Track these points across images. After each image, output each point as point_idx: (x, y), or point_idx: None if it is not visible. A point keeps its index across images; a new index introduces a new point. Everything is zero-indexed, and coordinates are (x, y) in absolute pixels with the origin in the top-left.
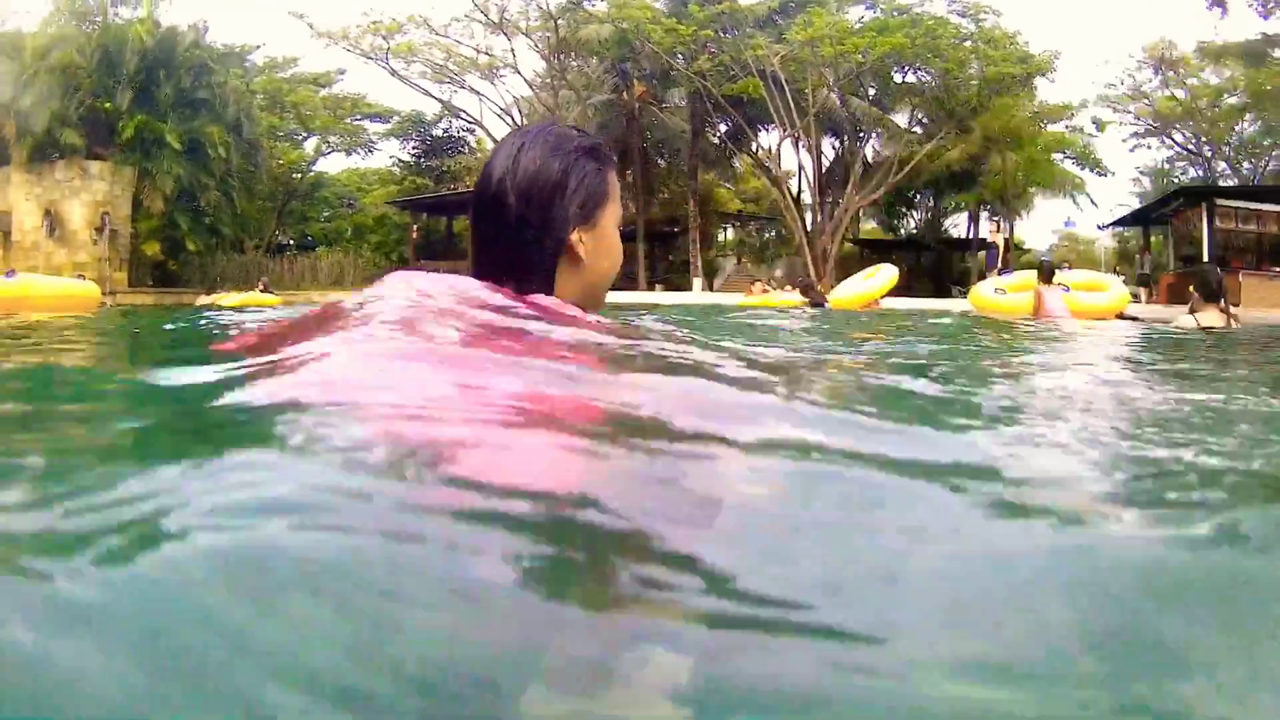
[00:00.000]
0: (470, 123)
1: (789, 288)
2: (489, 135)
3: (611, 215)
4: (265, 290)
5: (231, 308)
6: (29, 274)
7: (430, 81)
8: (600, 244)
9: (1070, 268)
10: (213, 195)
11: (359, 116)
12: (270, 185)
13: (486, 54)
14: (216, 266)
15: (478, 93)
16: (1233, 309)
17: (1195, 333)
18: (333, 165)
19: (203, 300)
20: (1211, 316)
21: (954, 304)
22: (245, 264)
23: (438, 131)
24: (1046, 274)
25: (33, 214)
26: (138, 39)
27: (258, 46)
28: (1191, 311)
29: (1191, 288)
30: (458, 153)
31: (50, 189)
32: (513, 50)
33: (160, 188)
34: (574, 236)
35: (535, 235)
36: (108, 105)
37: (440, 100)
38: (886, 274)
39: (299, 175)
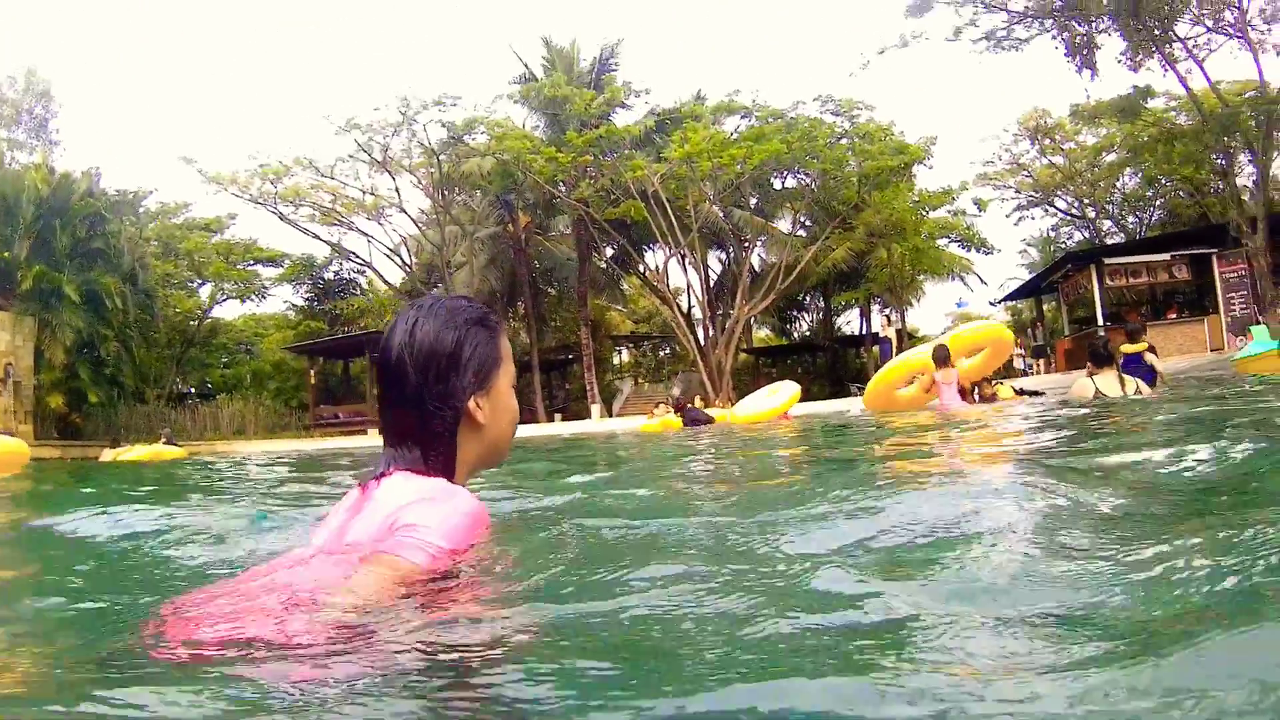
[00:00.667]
0: (361, 264)
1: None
2: (379, 276)
3: (505, 377)
4: (169, 442)
5: (136, 462)
6: None
7: (319, 225)
8: (497, 406)
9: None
10: (111, 346)
11: (251, 262)
12: (167, 334)
13: (372, 194)
14: (120, 417)
15: (366, 234)
16: (1140, 383)
17: (1091, 403)
18: (228, 311)
19: (107, 455)
20: (1109, 383)
21: (853, 403)
22: (148, 414)
23: (329, 274)
24: (941, 358)
25: None
26: (34, 187)
27: (150, 192)
28: (1090, 375)
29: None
30: (350, 295)
31: None
32: (397, 189)
33: (60, 339)
34: (472, 404)
35: (435, 407)
36: (5, 255)
37: (329, 243)
38: (788, 391)
39: (195, 323)
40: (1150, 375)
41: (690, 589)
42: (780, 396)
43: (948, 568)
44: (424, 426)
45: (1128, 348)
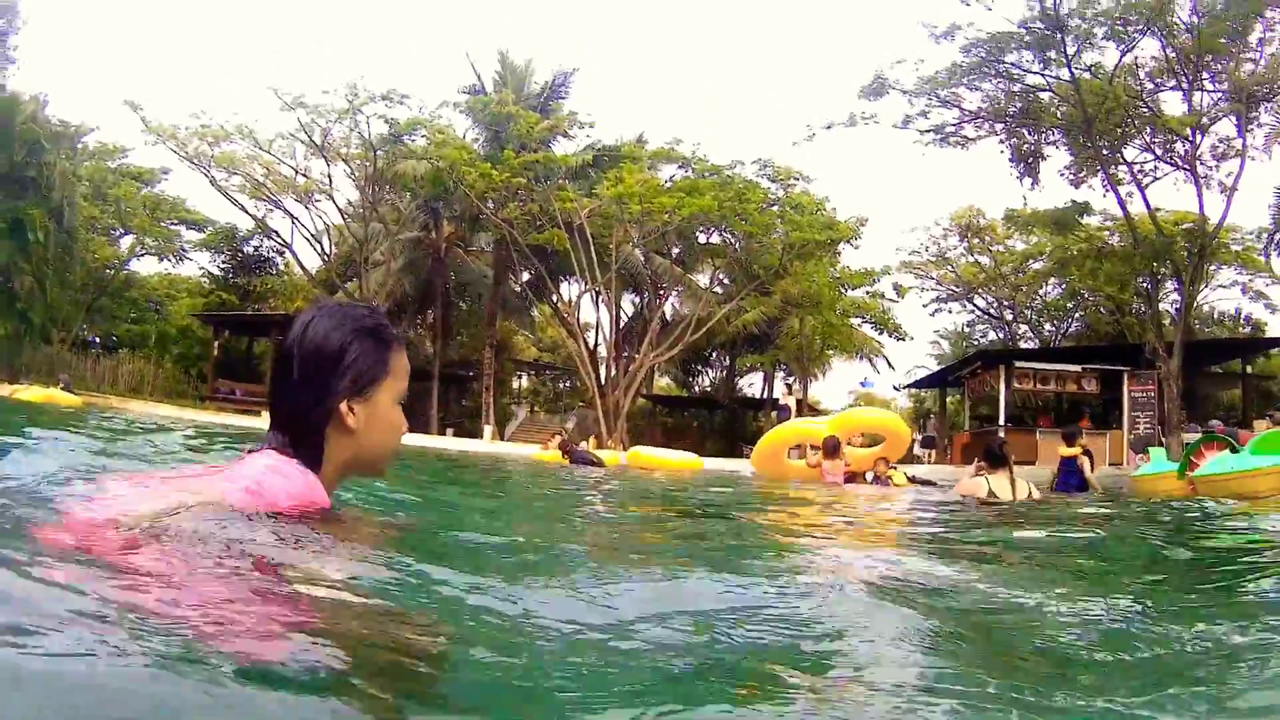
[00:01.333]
0: (281, 244)
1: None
2: (297, 260)
3: (389, 391)
4: (66, 389)
5: (29, 402)
6: None
7: (247, 196)
8: (374, 417)
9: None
10: (27, 280)
11: (175, 222)
12: (82, 277)
13: (305, 176)
14: (22, 355)
15: (291, 215)
16: (1020, 481)
17: (982, 500)
18: (144, 267)
19: (3, 390)
20: (1001, 484)
21: (743, 464)
22: (50, 356)
23: (249, 249)
24: (830, 449)
25: None
26: None
27: (93, 129)
28: (978, 474)
29: (978, 460)
30: (265, 273)
31: None
32: (330, 176)
33: None
34: (343, 407)
35: (309, 401)
36: None
37: (254, 217)
38: (686, 455)
39: (111, 272)
40: (1080, 480)
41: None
42: (678, 455)
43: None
44: (297, 417)
45: (1064, 451)
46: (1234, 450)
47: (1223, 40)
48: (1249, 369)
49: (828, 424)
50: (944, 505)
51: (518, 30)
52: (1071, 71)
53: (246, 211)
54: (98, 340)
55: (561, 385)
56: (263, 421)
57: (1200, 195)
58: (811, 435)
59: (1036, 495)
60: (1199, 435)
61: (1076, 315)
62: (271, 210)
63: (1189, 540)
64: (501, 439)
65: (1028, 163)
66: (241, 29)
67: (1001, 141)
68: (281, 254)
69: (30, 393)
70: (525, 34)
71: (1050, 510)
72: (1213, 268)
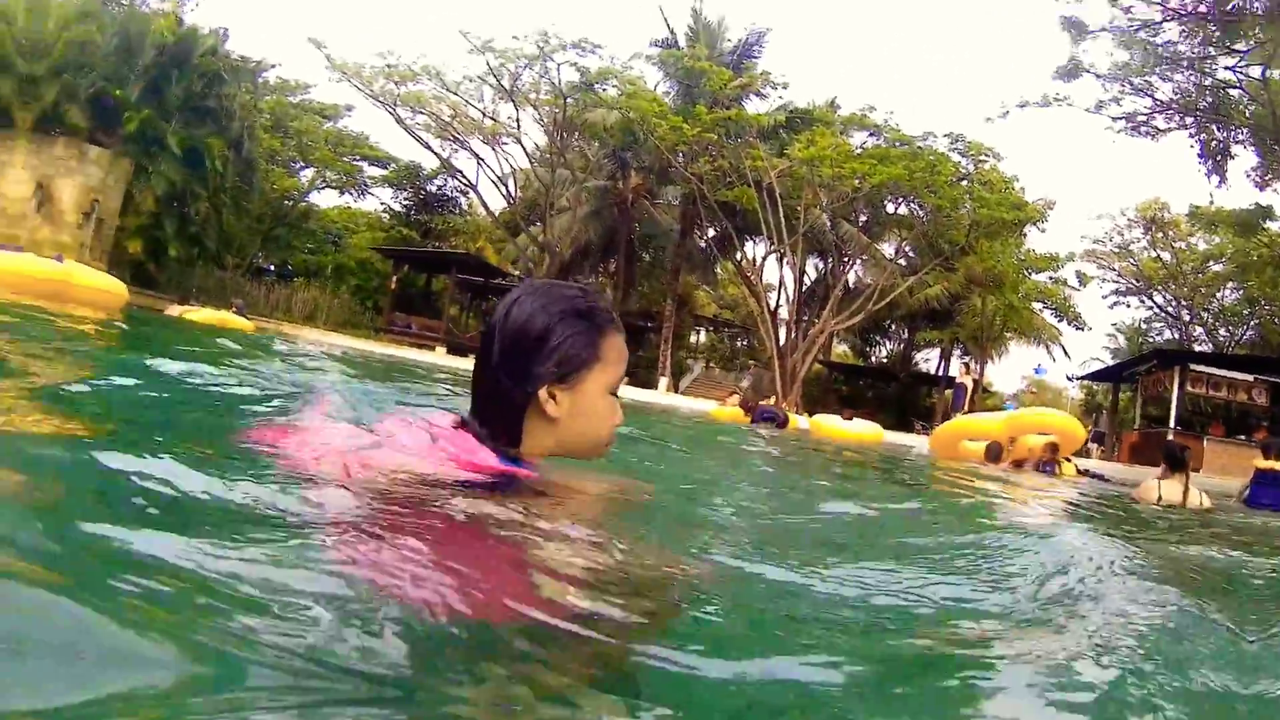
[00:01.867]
0: (466, 185)
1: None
2: (481, 200)
3: (600, 379)
4: (239, 313)
5: (201, 323)
6: (73, 262)
7: (433, 136)
8: (578, 406)
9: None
10: (203, 206)
11: (358, 158)
12: (260, 207)
13: (492, 119)
14: (195, 278)
15: (478, 156)
16: (1205, 494)
17: (1153, 506)
18: (324, 200)
19: (173, 310)
20: (1173, 490)
21: (918, 440)
22: (224, 281)
23: (432, 187)
24: (993, 455)
25: (24, 184)
26: (159, 32)
27: (274, 65)
28: (1160, 478)
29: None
30: (449, 212)
31: (46, 164)
32: (518, 120)
33: (154, 187)
34: (543, 393)
35: (508, 385)
36: (117, 92)
37: (440, 156)
38: (868, 428)
39: (290, 203)
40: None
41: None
42: (856, 427)
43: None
44: (494, 398)
45: (1261, 463)
46: None
47: None
48: None
49: (1003, 421)
50: (1114, 500)
51: None
52: (1263, 70)
53: (431, 150)
54: (273, 268)
55: (739, 344)
56: (436, 356)
57: None
58: (985, 430)
59: (1208, 504)
60: None
61: (1252, 323)
62: (457, 150)
63: None
64: (676, 391)
65: (1216, 159)
66: None
67: (1191, 135)
68: (465, 194)
69: (201, 314)
70: None
71: (1229, 521)
72: None
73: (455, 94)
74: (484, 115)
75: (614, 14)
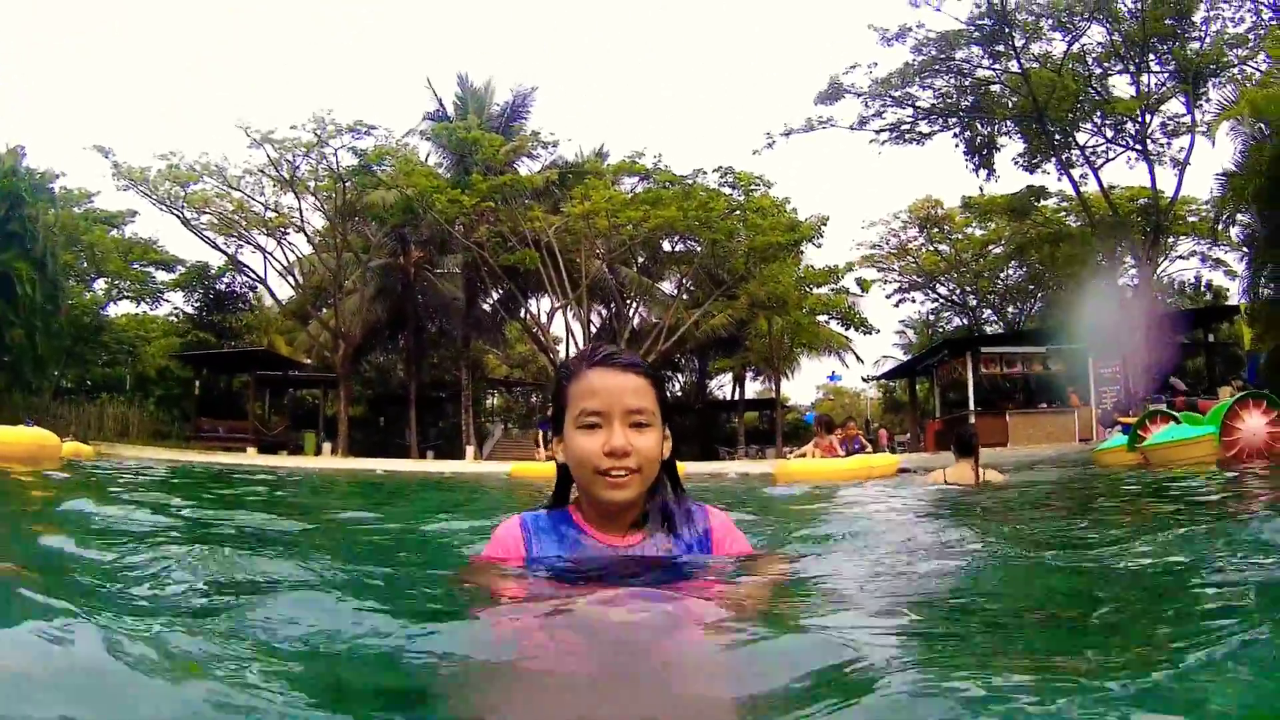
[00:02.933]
0: (254, 279)
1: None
2: (270, 293)
3: (570, 420)
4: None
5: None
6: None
7: (218, 234)
8: (568, 450)
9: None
10: (17, 333)
11: (148, 264)
12: (63, 325)
13: (275, 211)
14: (14, 409)
15: (263, 250)
16: (983, 468)
17: (943, 488)
18: (118, 310)
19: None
20: (961, 472)
21: (727, 466)
22: (41, 407)
23: (221, 286)
24: (827, 426)
25: None
26: None
27: (59, 175)
28: (950, 464)
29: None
30: (239, 309)
31: None
32: (300, 209)
33: None
34: (554, 446)
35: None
36: None
37: (226, 253)
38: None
39: (88, 318)
40: None
41: None
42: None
43: None
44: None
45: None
46: (1177, 422)
47: (1168, 21)
48: (1211, 337)
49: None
50: (912, 492)
51: (477, 49)
52: (1020, 63)
53: (219, 249)
54: (71, 386)
55: (534, 400)
56: (248, 457)
57: (1152, 172)
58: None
59: (1000, 480)
60: (1163, 406)
61: (1039, 296)
62: (243, 246)
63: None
64: (481, 458)
65: (982, 154)
66: (207, 68)
67: (955, 135)
68: (254, 288)
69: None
70: (484, 53)
71: (1005, 492)
72: (1170, 240)
73: (237, 189)
74: (266, 208)
75: (389, 90)
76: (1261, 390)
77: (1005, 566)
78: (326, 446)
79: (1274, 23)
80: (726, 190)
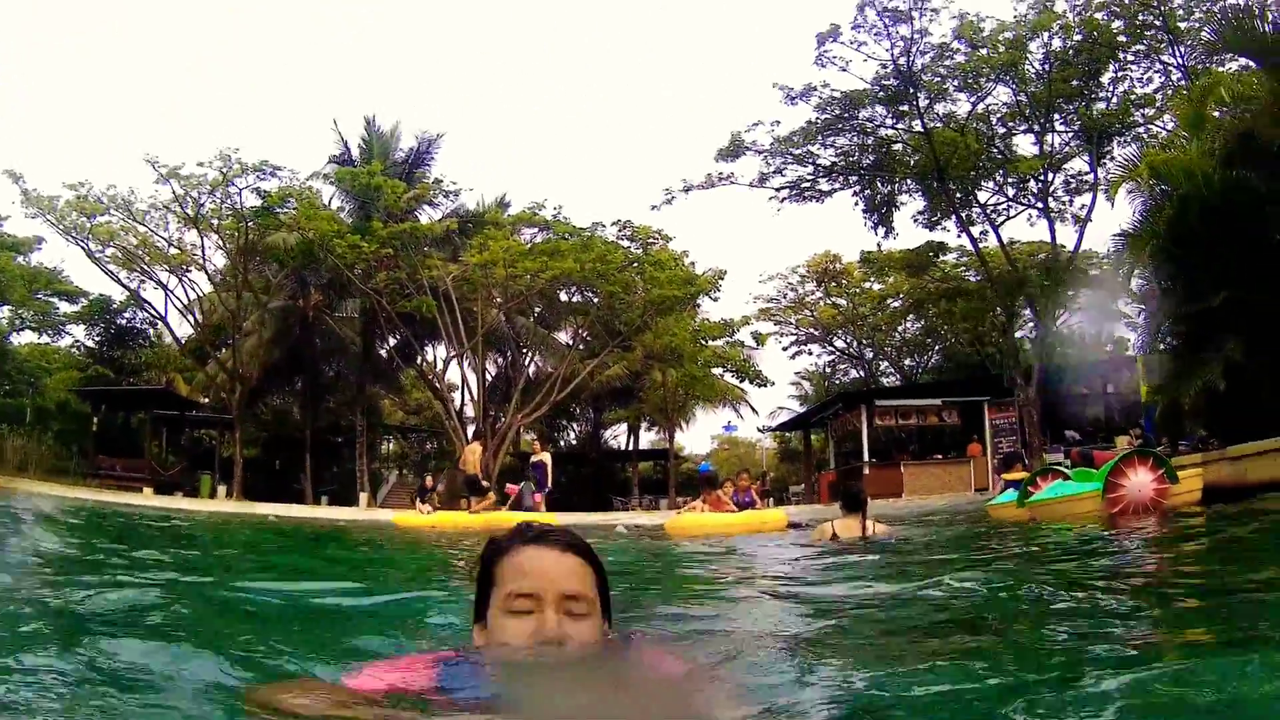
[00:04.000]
0: (154, 316)
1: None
2: (170, 331)
3: (498, 600)
4: None
5: None
6: None
7: (120, 268)
8: (490, 631)
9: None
10: None
11: (51, 294)
12: None
13: (178, 247)
14: None
15: (165, 286)
16: (871, 521)
17: (830, 543)
18: (20, 339)
19: None
20: (849, 527)
21: (618, 517)
22: None
23: (122, 321)
24: (711, 482)
25: None
26: None
27: None
28: (838, 519)
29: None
30: (139, 345)
31: None
32: (202, 247)
33: None
34: (475, 632)
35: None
36: None
37: (128, 288)
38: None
39: None
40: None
41: None
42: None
43: None
44: None
45: (1007, 476)
46: (1067, 478)
47: (1075, 83)
48: (1111, 387)
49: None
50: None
51: (386, 92)
52: (924, 123)
53: (121, 283)
54: None
55: (429, 447)
56: (144, 498)
57: (1052, 230)
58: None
59: (883, 532)
60: (1060, 457)
61: (936, 349)
62: (145, 281)
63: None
64: (376, 505)
65: (881, 212)
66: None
67: (855, 194)
68: (154, 325)
69: None
70: (393, 96)
71: (888, 546)
72: (1071, 292)
73: (142, 224)
74: (170, 244)
75: (298, 129)
76: (1147, 448)
77: (885, 619)
78: (222, 489)
79: (1182, 84)
80: (625, 243)
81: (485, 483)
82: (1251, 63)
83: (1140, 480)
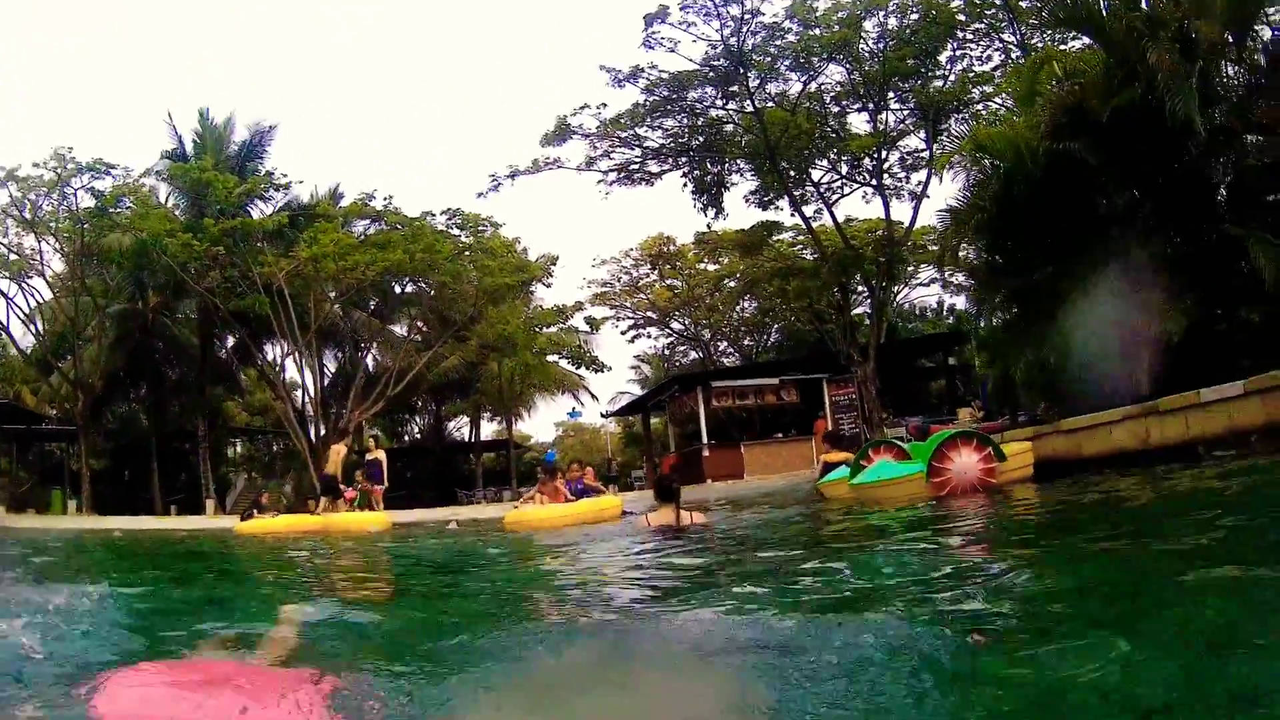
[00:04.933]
0: None
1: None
2: (12, 340)
3: None
4: None
5: None
6: None
7: None
8: None
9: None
10: None
11: None
12: None
13: (16, 253)
14: None
15: (4, 295)
16: (692, 513)
17: (647, 531)
18: None
19: None
20: (664, 516)
21: (457, 511)
22: None
23: None
24: (551, 472)
25: None
26: None
27: None
28: (651, 509)
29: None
30: None
31: None
32: (40, 252)
33: None
34: None
35: None
36: None
37: None
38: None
39: None
40: None
41: None
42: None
43: None
44: None
45: (830, 456)
46: (904, 454)
47: (911, 62)
48: (951, 360)
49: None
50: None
51: (220, 83)
52: (754, 103)
53: None
54: None
55: (275, 448)
56: None
57: (887, 207)
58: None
59: (701, 521)
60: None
61: (774, 328)
62: None
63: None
64: (224, 511)
65: (710, 193)
66: None
67: (684, 175)
68: None
69: None
70: (227, 87)
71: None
72: (910, 268)
73: None
74: (9, 250)
75: (134, 124)
76: (968, 430)
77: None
78: (72, 504)
79: (1020, 60)
80: (455, 232)
81: (342, 485)
82: (1086, 38)
83: (966, 462)
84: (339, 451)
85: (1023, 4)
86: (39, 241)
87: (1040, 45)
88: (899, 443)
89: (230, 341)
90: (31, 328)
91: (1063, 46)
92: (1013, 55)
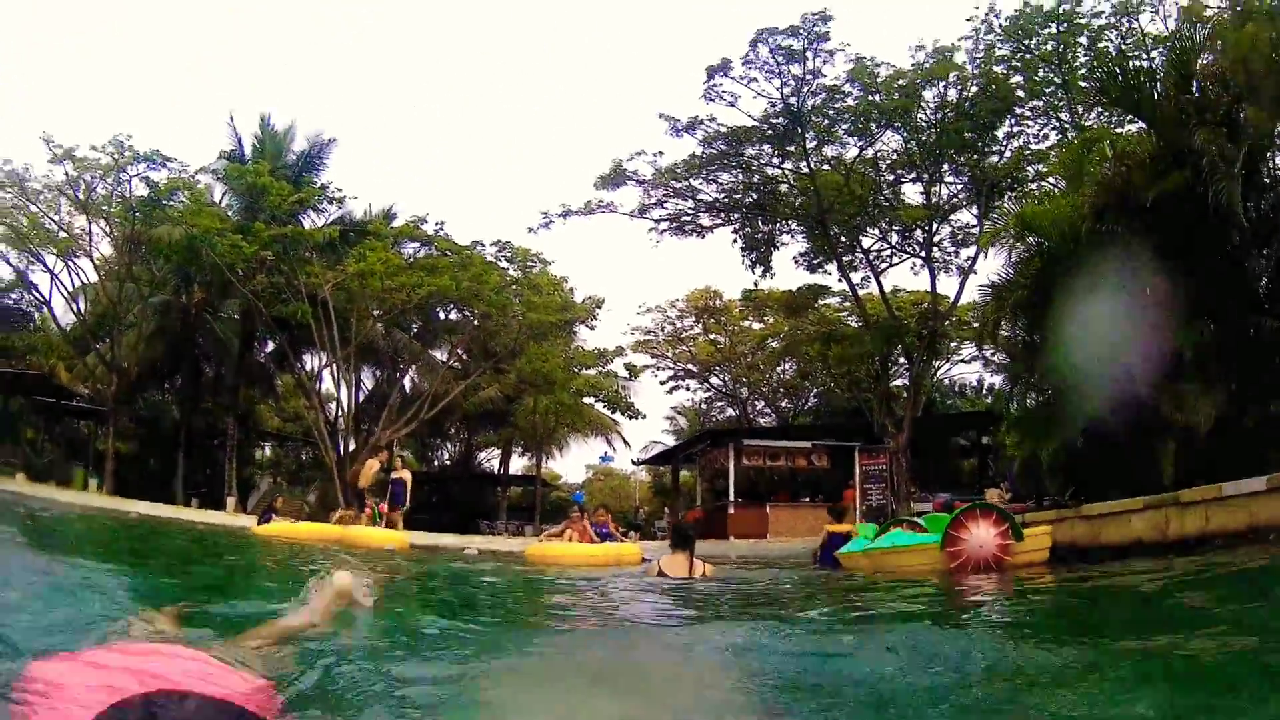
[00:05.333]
0: (39, 300)
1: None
2: (54, 317)
3: None
4: None
5: None
6: None
7: (9, 248)
8: None
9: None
10: None
11: None
12: None
13: (66, 231)
14: None
15: (51, 271)
16: (705, 564)
17: (657, 578)
18: None
19: None
20: (676, 564)
21: (474, 540)
22: None
23: (9, 302)
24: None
25: None
26: None
27: None
28: (666, 555)
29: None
30: (22, 328)
31: None
32: (90, 234)
33: None
34: None
35: None
36: None
37: (17, 269)
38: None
39: None
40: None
41: None
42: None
43: None
44: None
45: (831, 527)
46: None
47: (968, 135)
48: (985, 440)
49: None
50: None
51: (283, 92)
52: (810, 164)
53: (9, 263)
54: None
55: (304, 457)
56: (17, 484)
57: (934, 279)
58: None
59: (710, 573)
60: (929, 507)
61: (812, 392)
62: (32, 264)
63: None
64: (245, 511)
65: (760, 251)
66: (13, 73)
67: (735, 231)
68: (39, 309)
69: None
70: (290, 96)
71: (709, 588)
72: (953, 343)
73: (34, 204)
74: (59, 228)
75: (193, 122)
76: (986, 502)
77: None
78: (94, 483)
79: (1075, 139)
80: (503, 264)
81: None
82: (1141, 121)
83: (982, 535)
84: (372, 466)
85: (1082, 85)
86: (90, 223)
87: (1094, 126)
88: (918, 521)
89: (270, 346)
90: (74, 306)
91: (1119, 130)
92: (1069, 135)
